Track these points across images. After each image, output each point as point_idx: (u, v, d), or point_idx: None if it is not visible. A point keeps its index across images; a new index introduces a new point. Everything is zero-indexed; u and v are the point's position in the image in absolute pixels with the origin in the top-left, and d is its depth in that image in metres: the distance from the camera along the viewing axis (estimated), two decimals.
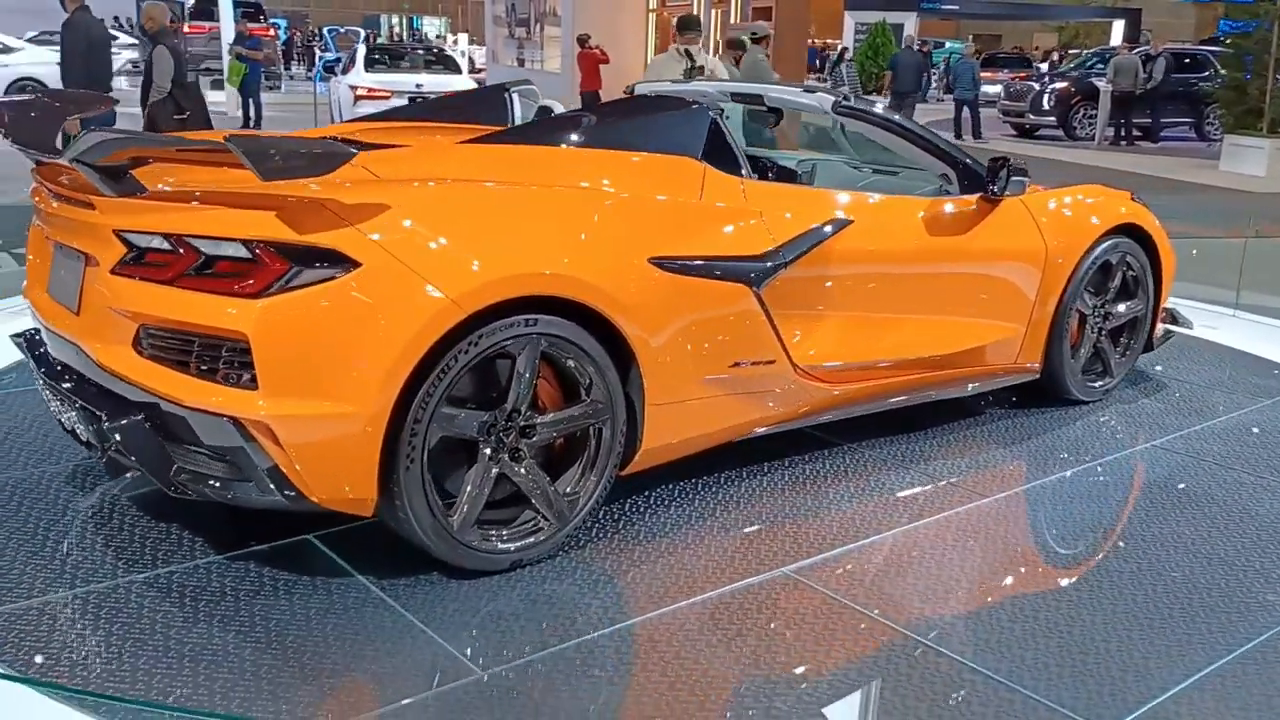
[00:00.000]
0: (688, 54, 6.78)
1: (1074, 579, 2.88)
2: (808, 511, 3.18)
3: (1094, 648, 2.46)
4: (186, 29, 23.00)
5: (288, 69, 26.01)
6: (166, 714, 2.09)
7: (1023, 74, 21.23)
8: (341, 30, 31.39)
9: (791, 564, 2.83)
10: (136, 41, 27.41)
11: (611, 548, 2.90)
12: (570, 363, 2.75)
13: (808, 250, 3.26)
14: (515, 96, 4.09)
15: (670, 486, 3.27)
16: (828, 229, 3.34)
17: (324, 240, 2.36)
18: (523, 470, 2.72)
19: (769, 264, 3.13)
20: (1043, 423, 4.07)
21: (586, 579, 2.74)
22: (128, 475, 3.18)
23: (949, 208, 3.77)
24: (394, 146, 3.10)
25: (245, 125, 13.67)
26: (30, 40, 16.95)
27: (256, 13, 22.88)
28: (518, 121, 3.97)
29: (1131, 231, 4.30)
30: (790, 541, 2.97)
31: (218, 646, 2.33)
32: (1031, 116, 18.04)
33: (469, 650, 2.36)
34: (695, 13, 16.88)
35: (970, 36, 29.84)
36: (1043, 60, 28.89)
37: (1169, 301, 4.69)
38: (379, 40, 27.78)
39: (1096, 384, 4.35)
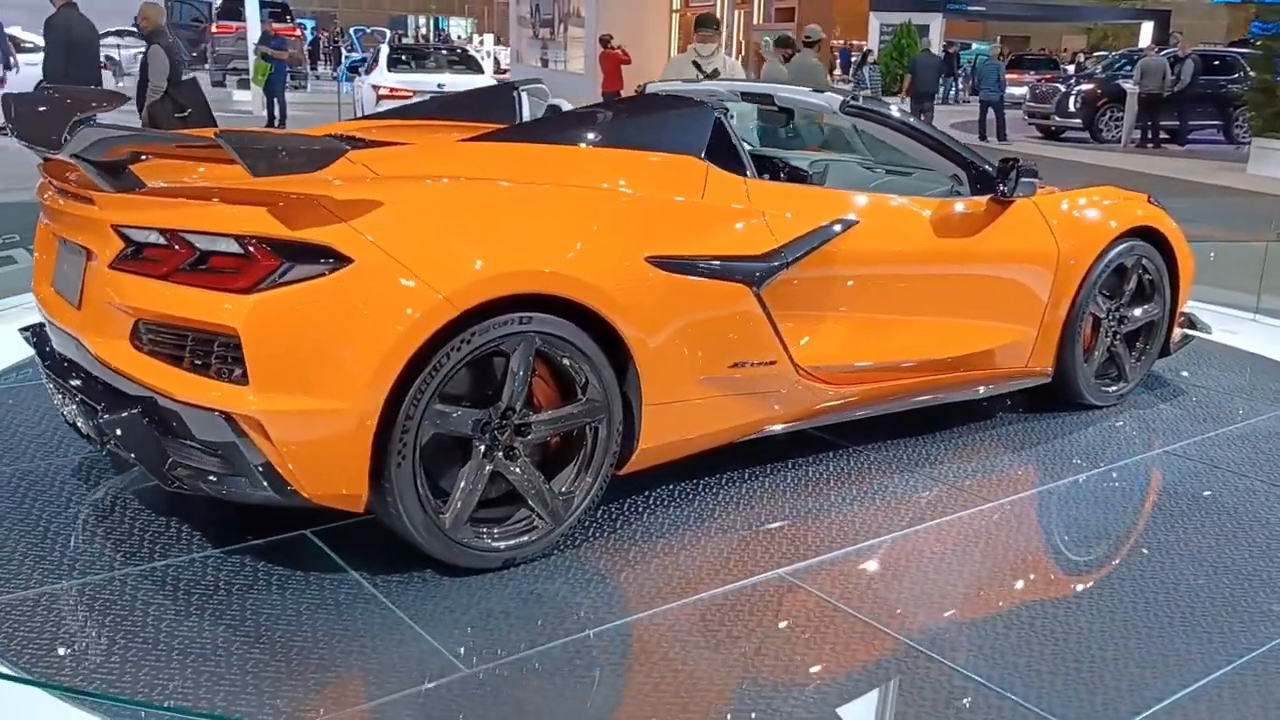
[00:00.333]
0: (698, 53, 6.76)
1: (1074, 586, 2.84)
2: (807, 514, 3.16)
3: (1089, 656, 2.42)
4: (214, 29, 23.28)
5: (314, 69, 26.24)
6: (148, 711, 2.10)
7: (1049, 76, 21.02)
8: (367, 30, 31.62)
9: (787, 566, 2.81)
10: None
11: (607, 547, 2.89)
12: (566, 361, 2.74)
13: (811, 251, 3.23)
14: (524, 95, 4.09)
15: (671, 486, 3.26)
16: (832, 230, 3.31)
17: (316, 236, 2.36)
18: (517, 469, 2.72)
19: (770, 264, 3.11)
20: (1055, 427, 4.02)
21: (579, 578, 2.73)
22: (132, 469, 3.21)
23: (957, 209, 3.73)
24: (397, 144, 3.11)
25: (270, 124, 13.79)
26: None
27: (283, 13, 23.10)
28: (525, 120, 3.97)
29: (1148, 234, 4.24)
30: (787, 544, 2.95)
31: (207, 640, 2.35)
32: (1057, 118, 17.86)
33: (456, 647, 2.36)
34: (718, 12, 16.88)
35: (998, 38, 29.56)
36: (1070, 62, 28.62)
37: (1187, 305, 4.61)
38: (404, 40, 27.96)
39: (1111, 389, 4.29)
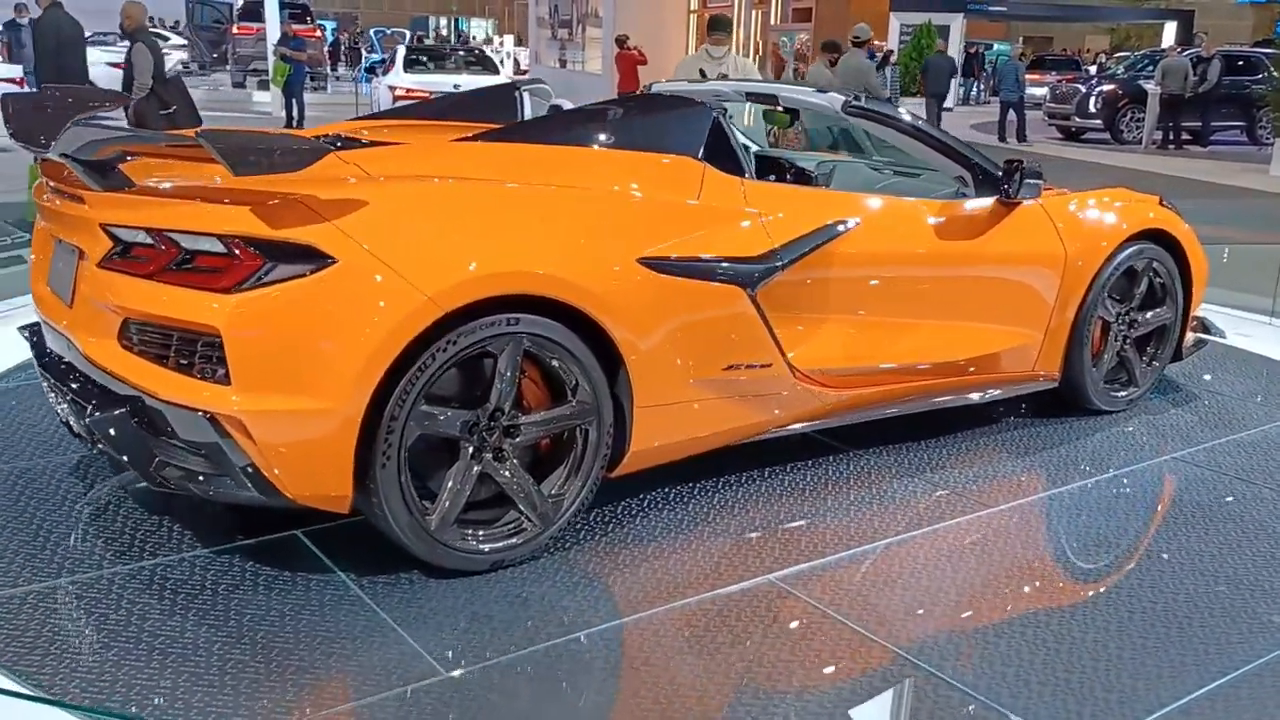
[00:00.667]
0: (709, 55, 6.73)
1: (1069, 594, 2.79)
2: (803, 518, 3.12)
3: (1080, 666, 2.38)
4: (235, 30, 23.45)
5: (334, 70, 26.40)
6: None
7: (1070, 76, 20.82)
8: (387, 32, 31.82)
9: (778, 571, 2.78)
10: (186, 42, 28.04)
11: (597, 550, 2.87)
12: (555, 363, 2.72)
13: (808, 252, 3.20)
14: (526, 95, 4.08)
15: (666, 489, 3.23)
16: (831, 231, 3.27)
17: (299, 236, 2.36)
18: (506, 471, 2.70)
19: (765, 266, 3.08)
20: (1063, 432, 3.96)
21: (567, 582, 2.71)
22: (128, 468, 3.22)
23: (961, 210, 3.68)
24: (391, 144, 3.11)
25: (288, 125, 13.88)
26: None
27: (304, 14, 23.26)
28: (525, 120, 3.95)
29: (1160, 238, 4.17)
30: (780, 549, 2.91)
31: (189, 640, 2.34)
32: (1077, 119, 17.67)
33: (437, 650, 2.34)
34: (735, 12, 16.82)
35: (1020, 38, 29.33)
36: (1093, 63, 28.34)
37: (1200, 309, 4.54)
38: (426, 41, 28.09)
39: (1120, 394, 4.22)
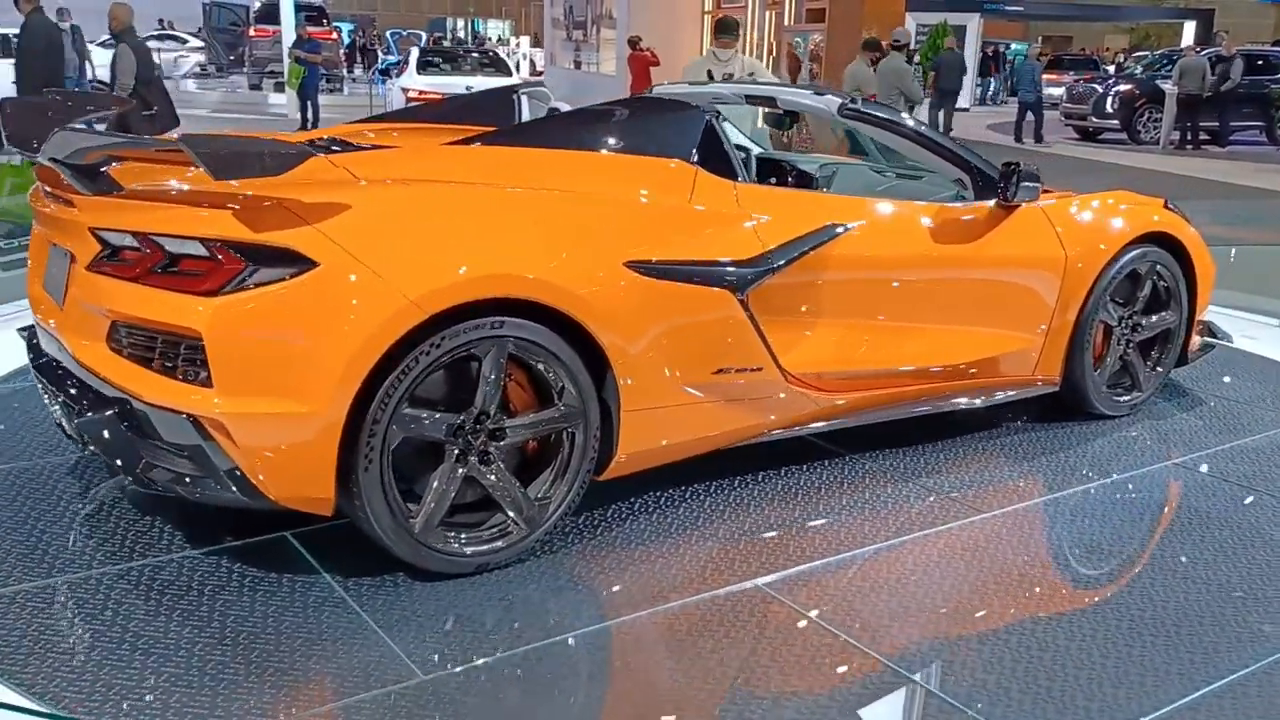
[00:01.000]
0: (716, 57, 6.72)
1: (1056, 602, 2.76)
2: (793, 522, 3.11)
3: (1062, 674, 2.35)
4: (252, 33, 23.63)
5: (350, 72, 26.56)
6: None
7: (1087, 76, 20.64)
8: (404, 34, 31.97)
9: (764, 577, 2.77)
10: (203, 44, 28.26)
11: (585, 553, 2.87)
12: (540, 366, 2.72)
13: (801, 256, 3.19)
14: (524, 98, 4.09)
15: (658, 493, 3.22)
16: (825, 235, 3.26)
17: (281, 240, 2.37)
18: (491, 473, 2.70)
19: (756, 269, 3.07)
20: (1065, 437, 3.93)
21: (553, 585, 2.71)
22: None
23: (957, 213, 3.66)
24: (384, 147, 3.12)
25: (303, 126, 13.99)
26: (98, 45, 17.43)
27: (320, 16, 23.41)
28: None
29: (1165, 240, 4.13)
30: (768, 553, 2.90)
31: (172, 640, 2.36)
32: (1094, 119, 17.51)
33: (416, 653, 2.35)
34: (749, 13, 16.79)
35: (1039, 38, 29.06)
36: (1111, 62, 28.09)
37: (1208, 313, 4.49)
38: (443, 43, 28.22)
39: (1123, 398, 4.18)
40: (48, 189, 2.85)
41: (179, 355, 2.40)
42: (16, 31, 7.86)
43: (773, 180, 4.51)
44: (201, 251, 2.38)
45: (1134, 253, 4.01)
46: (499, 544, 2.73)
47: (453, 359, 2.57)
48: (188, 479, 2.49)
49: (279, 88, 17.09)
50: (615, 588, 2.73)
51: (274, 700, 2.16)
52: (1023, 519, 3.24)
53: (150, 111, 7.32)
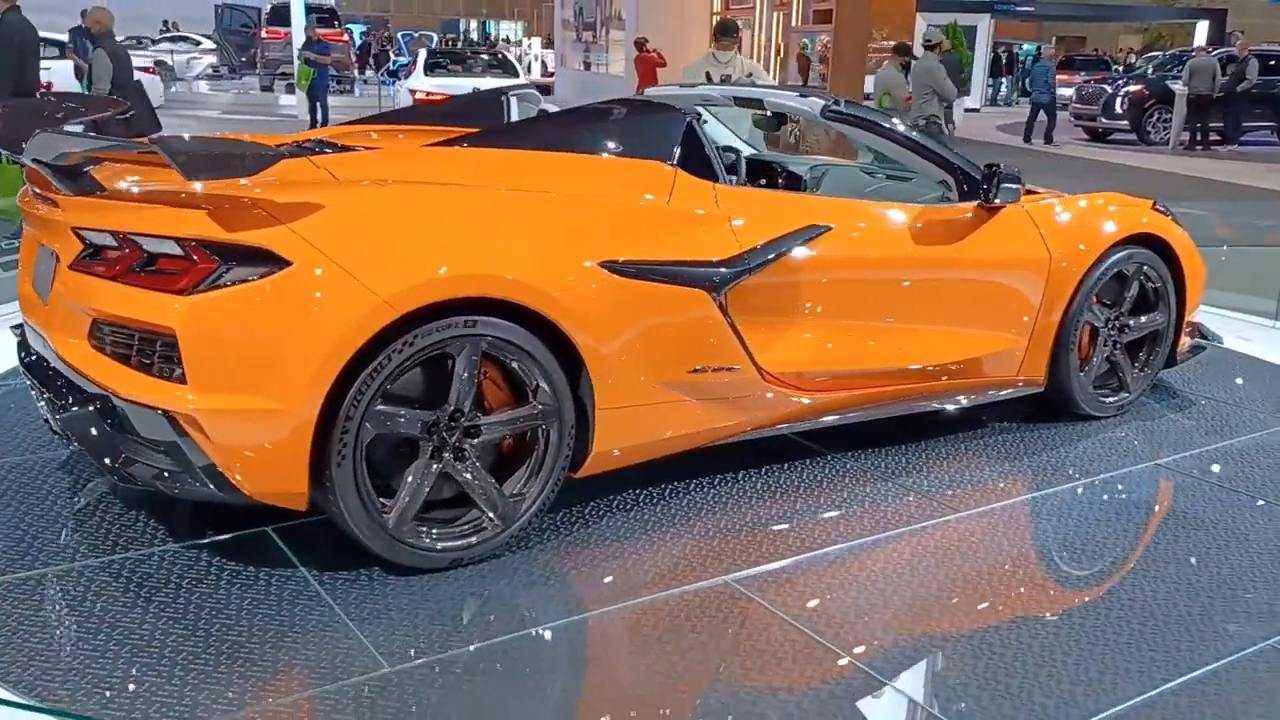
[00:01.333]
0: (715, 59, 6.76)
1: (1021, 600, 2.77)
2: (768, 520, 3.14)
3: (1022, 671, 2.37)
4: (263, 35, 23.82)
5: (362, 73, 26.72)
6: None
7: (1098, 76, 20.56)
8: (415, 35, 32.15)
9: (734, 573, 2.80)
10: (215, 45, 28.46)
11: (560, 549, 2.91)
12: (515, 364, 2.76)
13: (778, 256, 3.21)
14: (513, 101, 4.13)
15: (637, 491, 3.26)
16: (803, 235, 3.29)
17: (254, 239, 2.42)
18: (466, 470, 2.74)
19: (732, 269, 3.09)
20: (1050, 438, 3.94)
21: (525, 580, 2.75)
22: None
23: (939, 215, 3.68)
24: (369, 149, 3.17)
25: (311, 127, 14.09)
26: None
27: (331, 18, 23.57)
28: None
29: (1152, 242, 4.13)
30: (741, 551, 2.93)
31: (146, 631, 2.41)
32: (1104, 120, 17.44)
33: (384, 645, 2.39)
34: (756, 14, 16.79)
35: (1053, 39, 28.93)
36: (1123, 63, 27.94)
37: (1201, 314, 4.49)
38: (456, 44, 28.36)
39: (1110, 399, 4.18)
40: (36, 190, 2.91)
41: (155, 352, 2.45)
42: None
43: (763, 181, 4.54)
44: (177, 251, 2.43)
45: (1120, 254, 4.01)
46: (473, 540, 2.77)
47: (426, 357, 2.61)
48: (166, 474, 2.54)
49: (290, 89, 17.27)
50: (588, 583, 2.76)
51: (240, 690, 2.20)
52: (998, 518, 3.25)
53: (125, 115, 7.40)
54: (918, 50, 9.88)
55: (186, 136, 2.50)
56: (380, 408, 2.57)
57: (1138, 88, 17.45)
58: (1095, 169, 13.74)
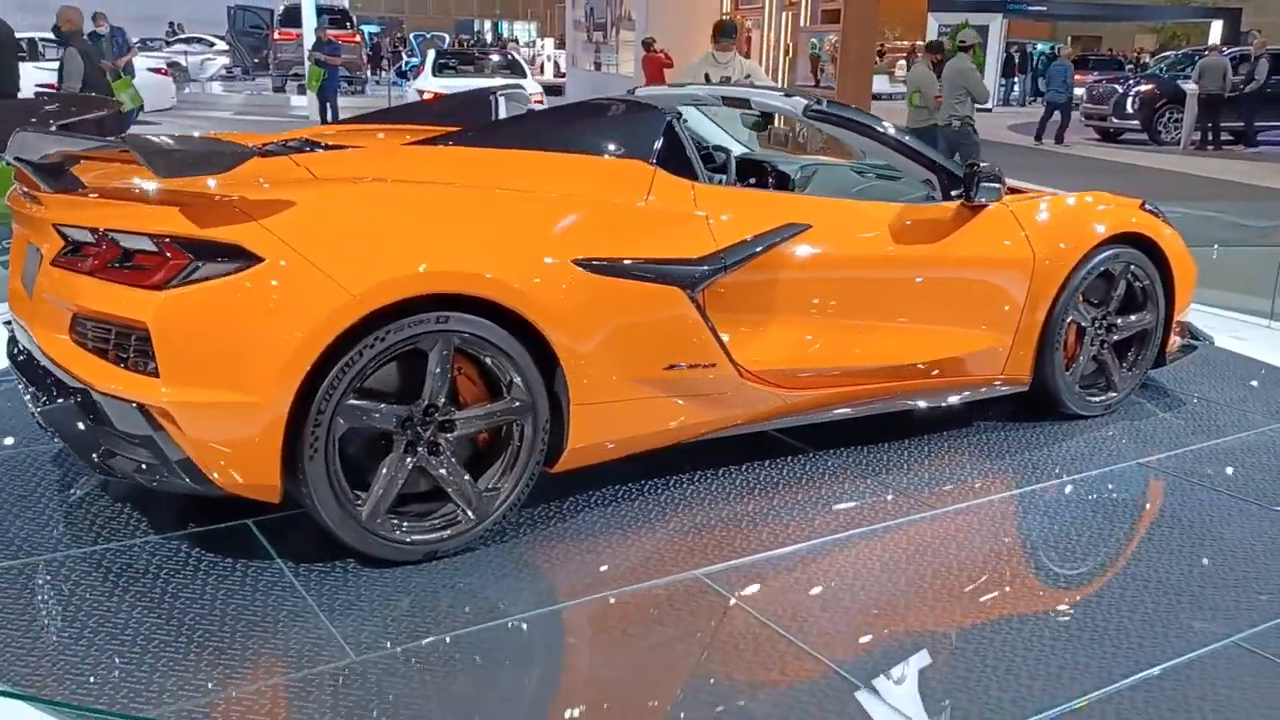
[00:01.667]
0: (714, 60, 6.79)
1: (987, 597, 2.78)
2: (744, 517, 3.16)
3: (981, 666, 2.39)
4: (276, 36, 23.99)
5: (375, 74, 26.85)
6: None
7: (1110, 76, 20.43)
8: (427, 36, 32.32)
9: (705, 568, 2.82)
10: (229, 46, 28.64)
11: (535, 542, 2.94)
12: (489, 360, 2.80)
13: (755, 255, 3.24)
14: (501, 100, 4.17)
15: (614, 486, 3.29)
16: (782, 234, 3.31)
17: (226, 235, 2.46)
18: (440, 464, 2.78)
19: (707, 267, 3.12)
20: (1036, 436, 3.94)
21: (498, 573, 2.78)
22: None
23: (921, 214, 3.70)
24: (351, 147, 3.21)
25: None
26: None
27: (343, 19, 23.71)
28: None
29: (1140, 241, 4.13)
30: (714, 546, 2.96)
31: (120, 620, 2.46)
32: (1115, 120, 17.33)
33: (352, 635, 2.43)
34: (765, 14, 16.79)
35: (1069, 38, 28.80)
36: (1136, 62, 27.77)
37: (1193, 313, 4.48)
38: (470, 45, 28.50)
39: (1097, 398, 4.18)
40: (23, 189, 2.97)
41: (130, 347, 2.50)
42: None
43: (752, 181, 4.56)
44: (151, 247, 2.48)
45: (1106, 253, 4.02)
46: (446, 533, 2.81)
47: (398, 353, 2.65)
48: (144, 466, 2.59)
49: (302, 90, 17.40)
50: (560, 576, 2.80)
51: (206, 678, 2.25)
52: (975, 516, 3.27)
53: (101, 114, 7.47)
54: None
55: (158, 136, 2.55)
56: (353, 402, 2.61)
57: (1149, 87, 17.35)
58: (1105, 169, 13.68)
